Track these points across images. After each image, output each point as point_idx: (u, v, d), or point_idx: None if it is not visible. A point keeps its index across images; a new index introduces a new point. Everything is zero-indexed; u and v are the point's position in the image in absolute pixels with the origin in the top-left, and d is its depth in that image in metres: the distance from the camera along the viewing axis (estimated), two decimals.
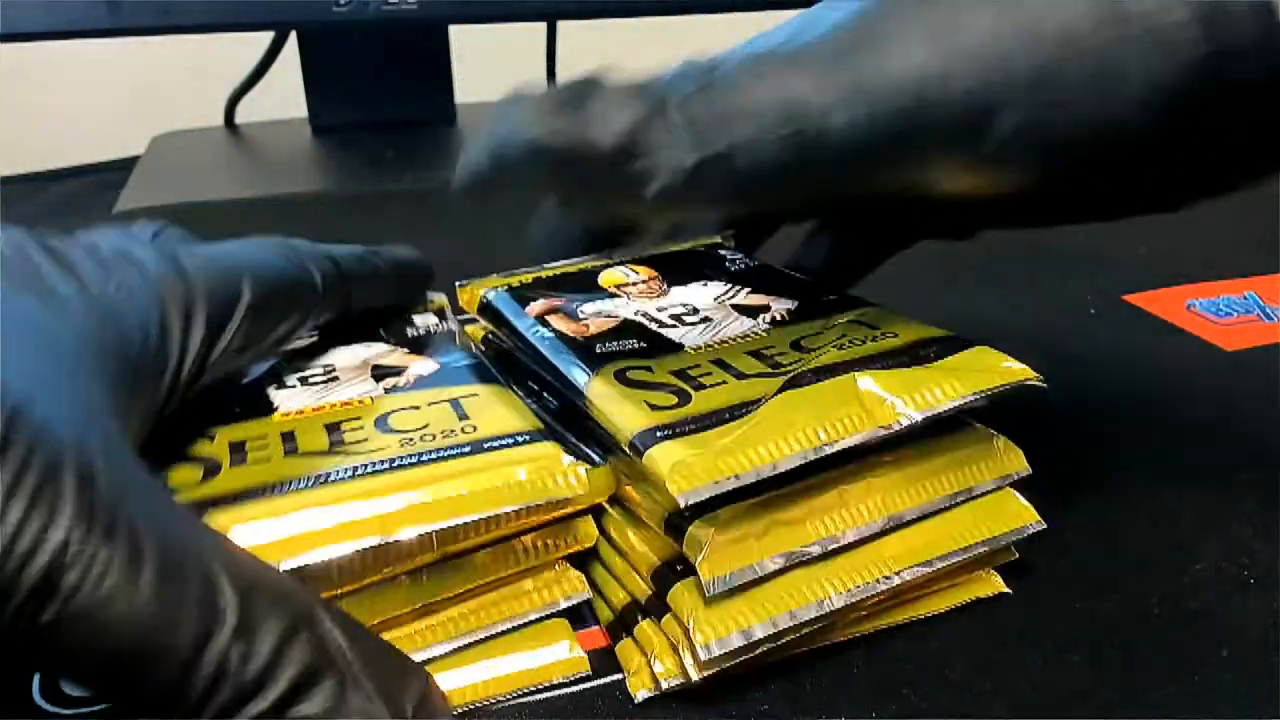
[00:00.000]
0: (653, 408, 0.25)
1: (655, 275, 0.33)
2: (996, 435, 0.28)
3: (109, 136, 0.72)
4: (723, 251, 0.35)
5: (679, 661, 0.24)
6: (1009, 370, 0.26)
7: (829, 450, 0.24)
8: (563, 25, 0.78)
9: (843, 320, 0.29)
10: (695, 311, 0.30)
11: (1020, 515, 0.27)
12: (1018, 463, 0.27)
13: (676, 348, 0.28)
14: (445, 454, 0.24)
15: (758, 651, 0.24)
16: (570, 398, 0.27)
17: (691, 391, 0.26)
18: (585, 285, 0.32)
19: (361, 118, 0.73)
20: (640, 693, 0.24)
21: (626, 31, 0.71)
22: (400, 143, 0.70)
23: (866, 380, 0.25)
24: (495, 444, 0.25)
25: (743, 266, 0.33)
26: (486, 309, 0.31)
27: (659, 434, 0.24)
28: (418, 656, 0.24)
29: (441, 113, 0.74)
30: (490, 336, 0.32)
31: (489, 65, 0.70)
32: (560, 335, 0.28)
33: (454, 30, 0.73)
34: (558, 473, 0.24)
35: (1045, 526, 0.27)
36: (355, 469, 0.24)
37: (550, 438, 0.25)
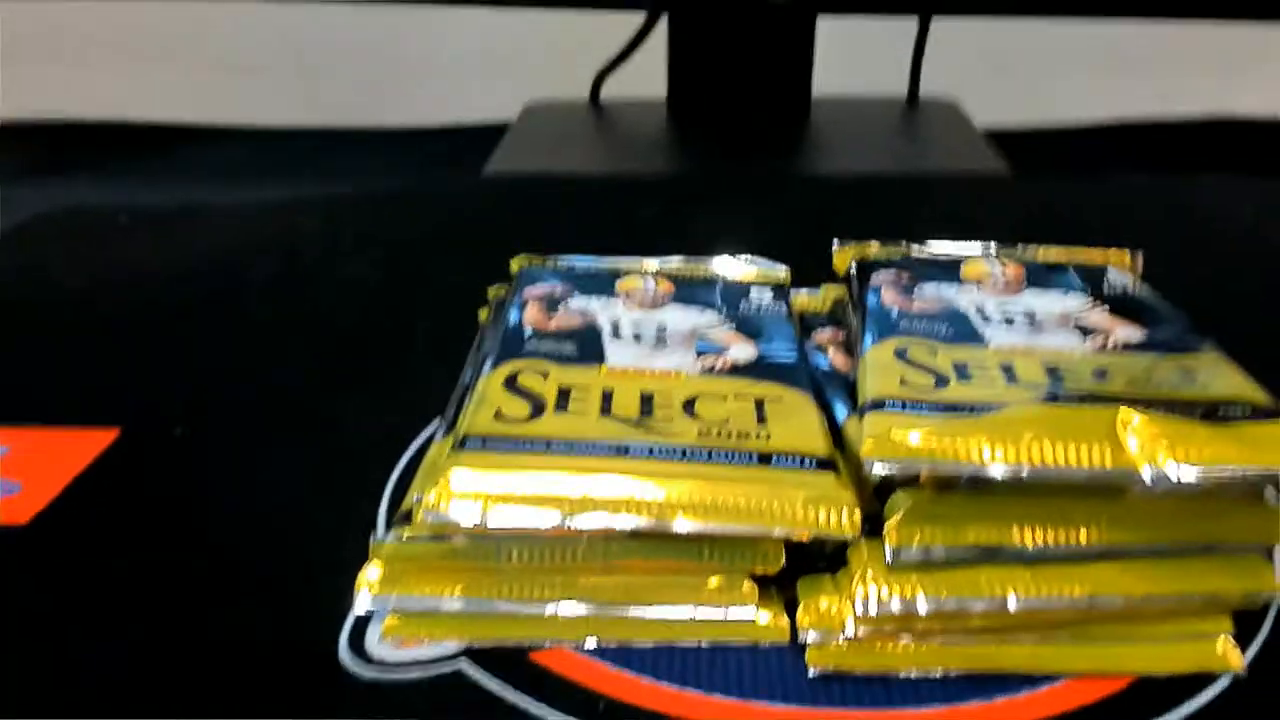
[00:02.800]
0: (903, 383, 0.26)
1: (1020, 275, 0.33)
2: (1269, 501, 0.25)
3: (481, 97, 0.77)
4: (1110, 271, 0.34)
5: (843, 615, 0.25)
6: None
7: (1048, 472, 0.23)
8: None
9: (1168, 361, 0.28)
10: (1031, 318, 0.30)
11: (1259, 578, 0.25)
12: None
13: (979, 339, 0.29)
14: (735, 458, 0.26)
15: (918, 629, 0.24)
16: None
17: (954, 380, 0.26)
18: (945, 269, 0.34)
19: (718, 103, 0.73)
20: (807, 633, 0.25)
21: (996, 34, 0.66)
22: (753, 131, 0.70)
23: (1131, 419, 0.24)
24: (783, 461, 0.26)
25: (1119, 290, 0.32)
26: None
27: (889, 405, 0.25)
28: (601, 610, 0.26)
29: (797, 104, 0.74)
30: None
31: (850, 60, 0.69)
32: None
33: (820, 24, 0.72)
34: (833, 509, 0.25)
35: None
36: (653, 449, 0.26)
37: (833, 468, 0.26)
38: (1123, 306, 0.31)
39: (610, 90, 0.79)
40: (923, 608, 0.24)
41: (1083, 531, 0.24)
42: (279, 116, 0.82)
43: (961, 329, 0.30)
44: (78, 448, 0.34)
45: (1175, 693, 0.24)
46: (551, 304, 0.34)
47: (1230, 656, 0.25)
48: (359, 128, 0.79)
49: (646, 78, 0.75)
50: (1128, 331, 0.29)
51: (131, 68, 0.89)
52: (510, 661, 0.25)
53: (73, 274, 0.49)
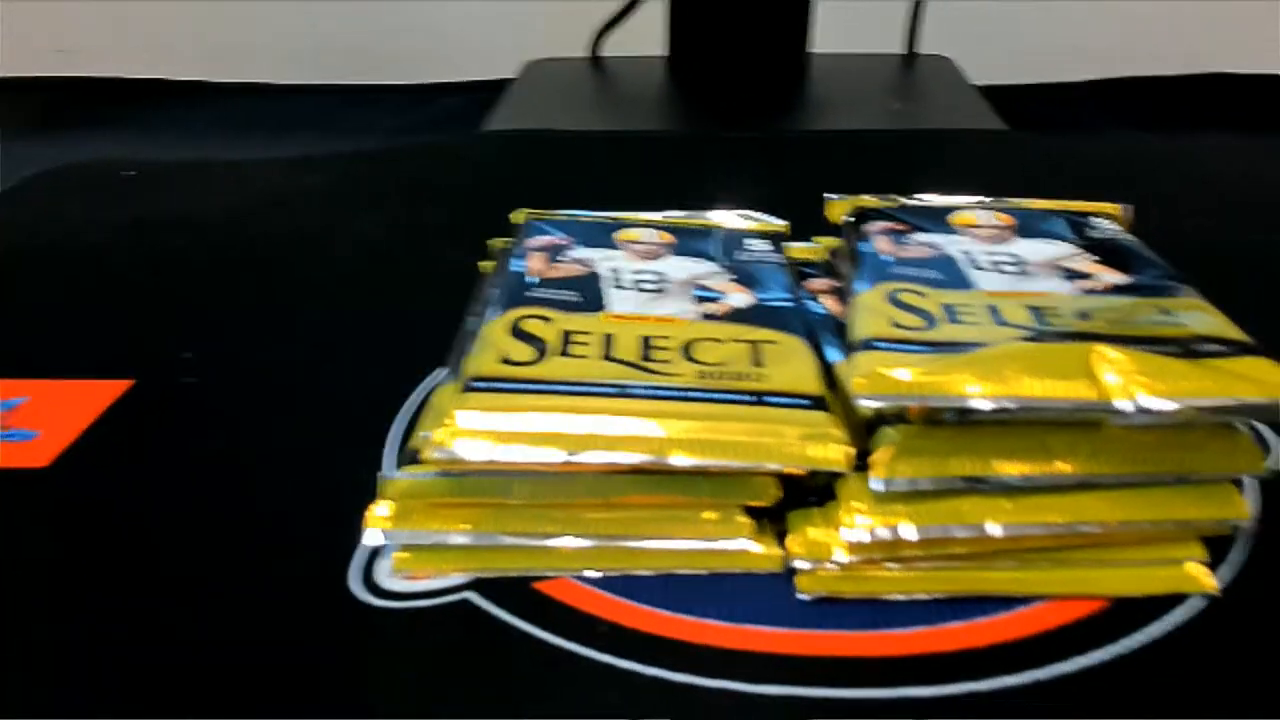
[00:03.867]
0: (894, 324, 0.27)
1: (1010, 224, 0.34)
2: (1240, 432, 0.26)
3: (481, 54, 0.77)
4: (1097, 219, 0.35)
5: (832, 544, 0.26)
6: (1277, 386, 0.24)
7: (1030, 405, 0.24)
8: None
9: (1148, 302, 0.29)
10: (1019, 263, 0.31)
11: (1228, 506, 0.26)
12: (1253, 463, 0.26)
13: (967, 285, 0.30)
14: (732, 398, 0.27)
15: (904, 556, 0.25)
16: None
17: (943, 321, 0.27)
18: (937, 219, 0.34)
19: (716, 61, 0.74)
20: (798, 562, 0.26)
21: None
22: (752, 89, 0.71)
23: (1110, 355, 0.25)
24: (777, 400, 0.27)
25: (1106, 237, 0.33)
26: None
27: (879, 344, 0.26)
28: (603, 542, 0.27)
29: (795, 61, 0.74)
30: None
31: (848, 17, 0.69)
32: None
33: None
34: (825, 444, 0.26)
35: (1251, 523, 0.26)
36: (652, 390, 0.27)
37: (825, 408, 0.27)
38: (1108, 253, 0.32)
39: (610, 48, 0.80)
40: (908, 536, 0.25)
41: (1062, 462, 0.25)
42: (280, 74, 0.83)
43: (951, 274, 0.31)
44: (93, 397, 0.35)
45: (1149, 613, 0.25)
46: (554, 254, 0.34)
47: (1202, 579, 0.26)
48: (360, 85, 0.79)
49: (646, 35, 0.76)
50: (1112, 276, 0.30)
51: (132, 23, 0.89)
52: (515, 591, 0.26)
53: (79, 229, 0.50)
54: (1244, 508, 0.26)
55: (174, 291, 0.43)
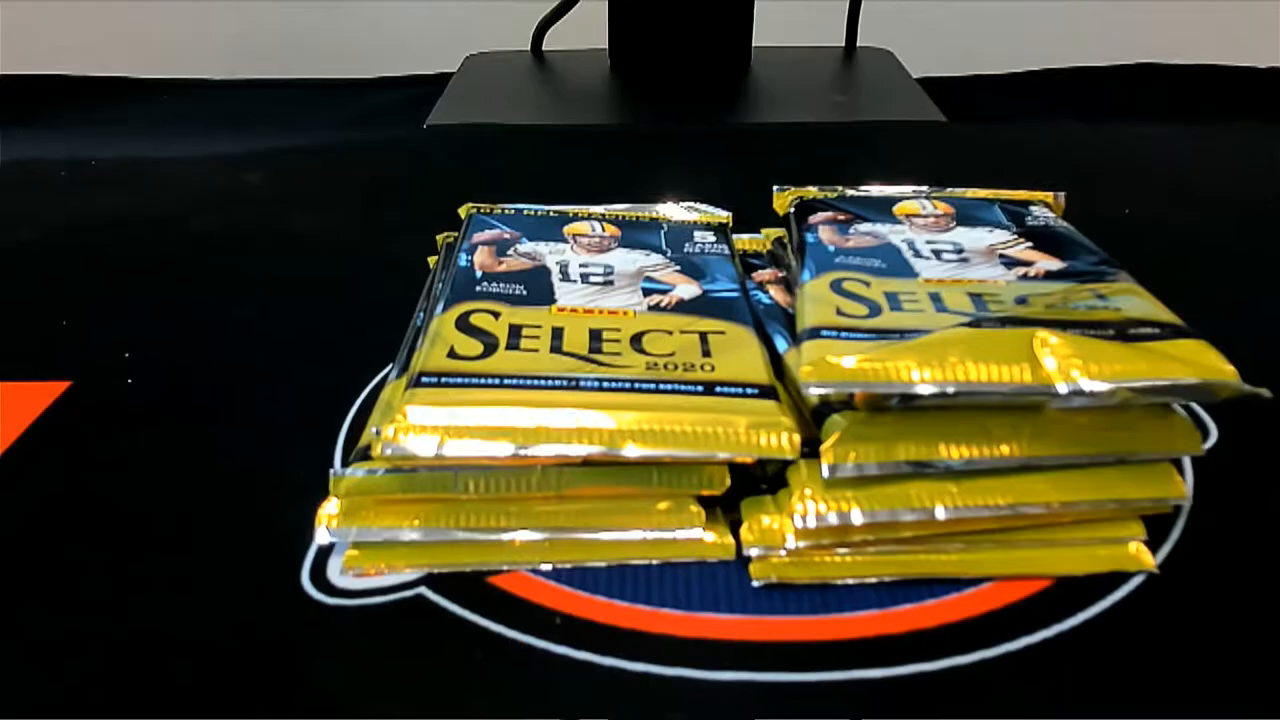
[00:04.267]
0: (839, 313, 0.28)
1: (950, 213, 0.35)
2: (1177, 414, 0.27)
3: (421, 48, 0.76)
4: (1033, 207, 0.36)
5: (784, 531, 0.26)
6: (1214, 368, 0.25)
7: (972, 390, 0.25)
8: None
9: (1084, 287, 0.29)
10: (959, 251, 0.32)
11: (1166, 486, 0.27)
12: (1190, 442, 0.27)
13: (910, 273, 0.30)
14: (681, 388, 0.27)
15: (854, 541, 0.26)
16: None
17: (886, 309, 0.28)
18: (879, 209, 0.35)
19: (659, 54, 0.74)
20: (751, 549, 0.26)
21: None
22: (695, 82, 0.71)
23: (1048, 339, 0.25)
24: (727, 390, 0.27)
25: (1042, 224, 0.34)
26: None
27: (825, 333, 0.27)
28: (556, 535, 0.27)
29: (737, 55, 0.75)
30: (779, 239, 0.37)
31: (789, 11, 0.69)
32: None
33: None
34: (774, 433, 0.26)
35: (1189, 502, 0.27)
36: (602, 382, 0.27)
37: (774, 396, 0.28)
38: (1045, 240, 0.33)
39: (551, 42, 0.79)
40: (857, 520, 0.25)
41: (1004, 446, 0.26)
42: (216, 70, 0.81)
43: (894, 263, 0.31)
44: (29, 400, 0.35)
45: (1092, 591, 0.26)
46: (501, 248, 0.34)
47: (1142, 557, 0.27)
48: (298, 79, 0.78)
49: (588, 29, 0.75)
50: (1048, 263, 0.31)
51: (69, 20, 0.87)
52: (469, 586, 0.26)
53: (14, 228, 0.49)
54: (1182, 487, 0.27)
55: (112, 291, 0.43)
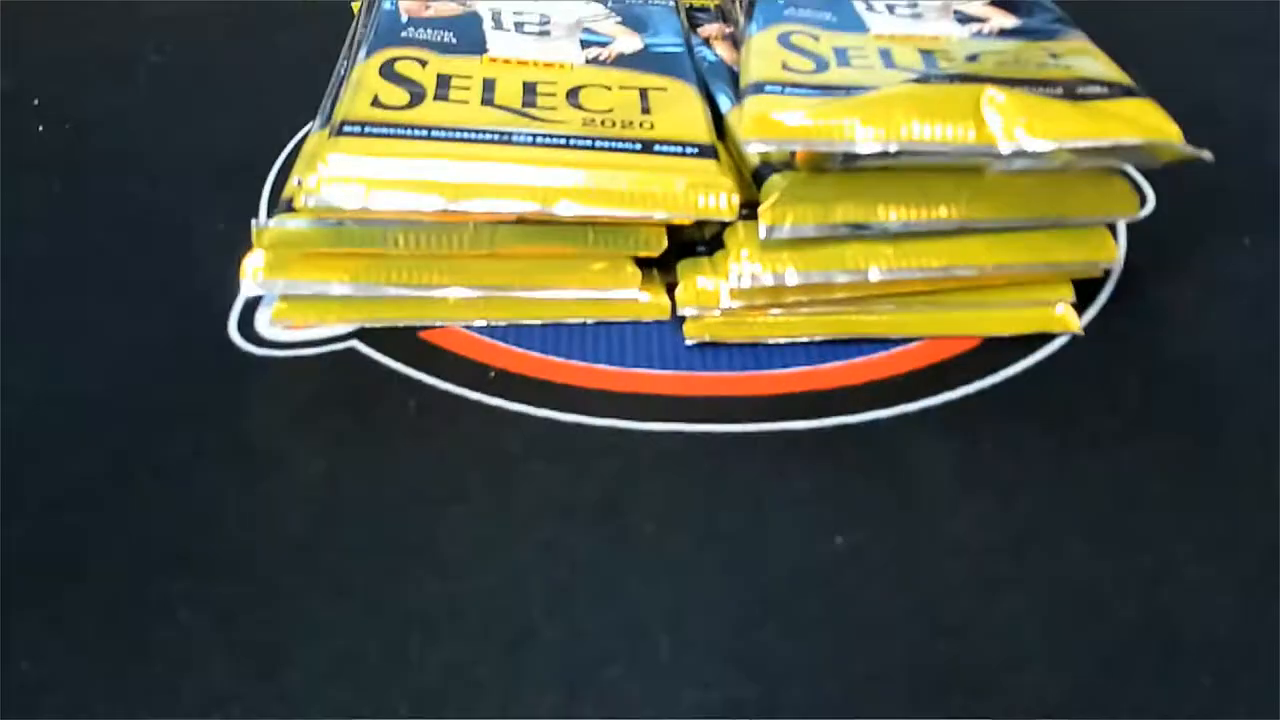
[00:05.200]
0: (785, 68, 0.27)
1: None
2: (1120, 177, 0.27)
3: None
4: None
5: (719, 292, 0.26)
6: (1158, 128, 0.25)
7: (914, 149, 0.24)
8: None
9: (1037, 45, 0.28)
10: (913, 5, 0.31)
11: (1099, 249, 0.27)
12: (1128, 206, 0.27)
13: (860, 27, 0.29)
14: (618, 145, 0.26)
15: (787, 302, 0.26)
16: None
17: (834, 64, 0.27)
18: None
19: None
20: (686, 309, 0.26)
21: None
22: None
23: (995, 97, 0.25)
24: (666, 149, 0.27)
25: None
26: None
27: (769, 88, 0.26)
28: (490, 293, 0.27)
29: None
30: None
31: None
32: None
33: None
34: (713, 192, 0.26)
35: (1120, 267, 0.27)
36: (536, 136, 0.26)
37: (714, 156, 0.27)
38: None
39: None
40: (792, 280, 0.25)
41: (943, 208, 0.25)
42: None
43: (845, 16, 0.30)
44: None
45: (1016, 352, 0.26)
46: None
47: (1069, 320, 0.27)
48: None
49: None
50: (1004, 19, 0.30)
51: None
52: (402, 341, 0.26)
53: None
54: (1114, 250, 0.27)
55: (18, 36, 0.40)
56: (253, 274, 0.26)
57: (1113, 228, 0.28)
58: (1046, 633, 0.20)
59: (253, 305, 0.27)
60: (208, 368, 0.25)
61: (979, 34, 0.29)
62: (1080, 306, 0.27)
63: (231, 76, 0.37)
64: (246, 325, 0.26)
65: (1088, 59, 0.27)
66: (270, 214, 0.27)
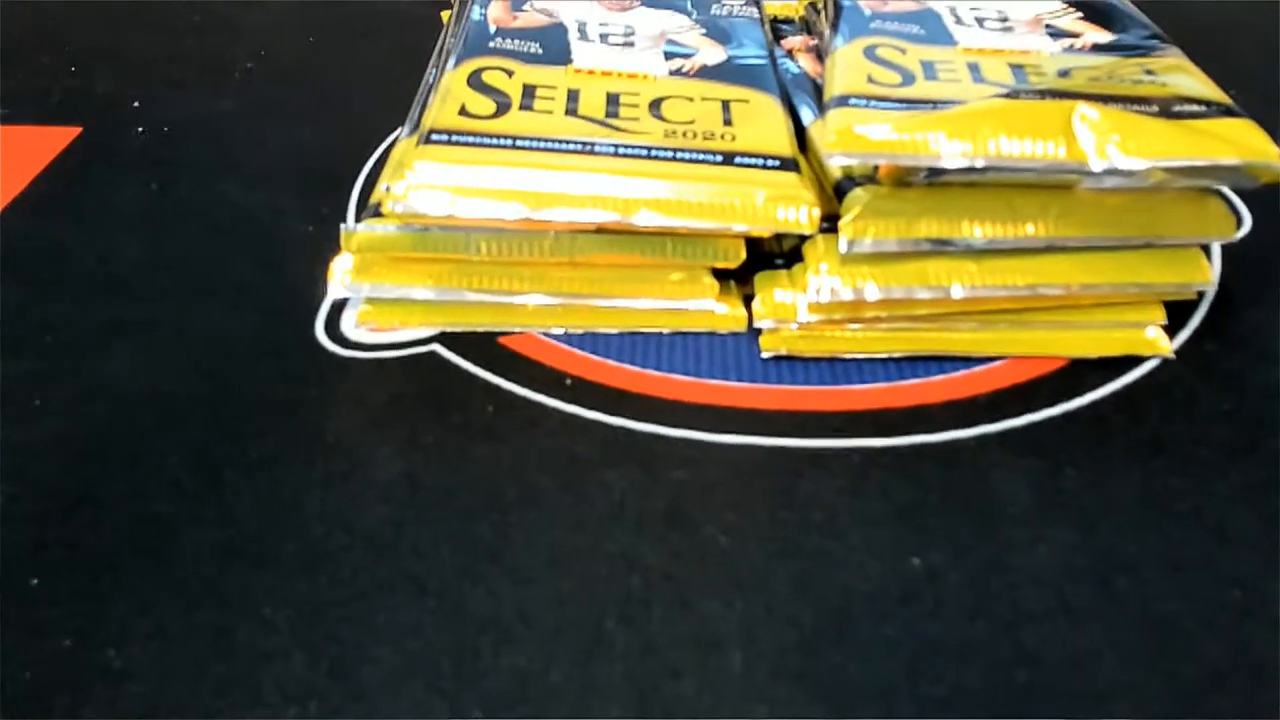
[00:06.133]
0: (870, 81, 0.26)
1: None
2: (1215, 198, 0.26)
3: None
4: None
5: (796, 305, 0.26)
6: (1259, 149, 0.24)
7: (1002, 165, 0.24)
8: None
9: (1131, 61, 0.28)
10: (1004, 20, 0.30)
11: (1193, 270, 0.26)
12: (1224, 227, 0.26)
13: (949, 41, 0.29)
14: (699, 157, 0.26)
15: (866, 317, 0.26)
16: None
17: (921, 78, 0.27)
18: None
19: None
20: (762, 322, 0.26)
21: None
22: None
23: (1087, 114, 0.24)
24: (746, 160, 0.27)
25: None
26: None
27: (854, 101, 0.25)
28: (569, 300, 0.27)
29: None
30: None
31: None
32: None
33: None
34: (793, 205, 0.26)
35: (1214, 289, 0.27)
36: (618, 147, 0.26)
37: (795, 169, 0.27)
38: (1095, 11, 0.31)
39: None
40: (871, 295, 0.25)
41: (1030, 225, 0.25)
42: None
43: (933, 29, 0.29)
44: (41, 145, 0.34)
45: (1105, 374, 0.26)
46: (517, 2, 0.33)
47: (1159, 343, 0.26)
48: None
49: None
50: (1097, 34, 0.29)
51: None
52: (481, 346, 0.27)
53: None
54: (1208, 272, 0.26)
55: (120, 41, 0.41)
56: (340, 276, 0.26)
57: (1207, 249, 0.27)
58: (1127, 667, 0.19)
59: (339, 307, 0.28)
60: (294, 367, 0.26)
61: (1071, 49, 0.28)
62: (1171, 329, 0.26)
63: (322, 84, 0.38)
64: (333, 326, 0.27)
65: (1184, 76, 0.26)
66: (358, 218, 0.28)
